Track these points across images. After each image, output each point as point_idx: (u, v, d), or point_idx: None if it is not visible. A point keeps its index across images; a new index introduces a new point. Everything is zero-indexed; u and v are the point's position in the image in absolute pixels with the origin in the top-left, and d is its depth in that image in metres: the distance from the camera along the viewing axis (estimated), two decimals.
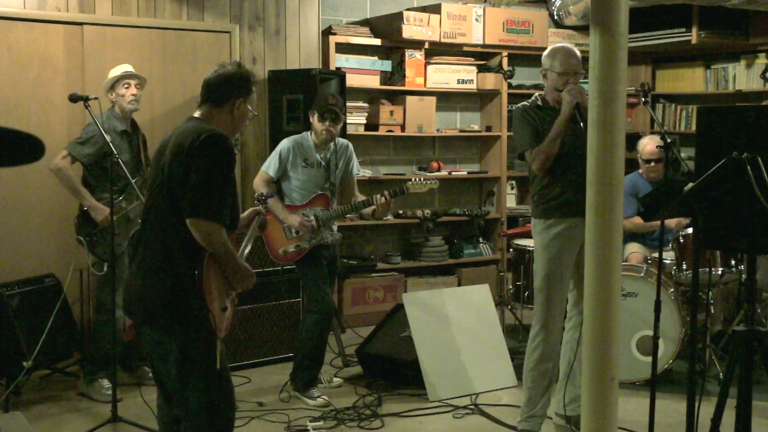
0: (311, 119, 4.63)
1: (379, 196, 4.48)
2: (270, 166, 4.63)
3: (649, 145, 5.35)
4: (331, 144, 4.66)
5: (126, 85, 4.72)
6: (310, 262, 4.62)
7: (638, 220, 5.27)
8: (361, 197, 4.71)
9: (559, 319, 3.99)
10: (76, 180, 4.60)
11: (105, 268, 4.64)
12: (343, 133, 5.35)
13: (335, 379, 4.91)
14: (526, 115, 3.99)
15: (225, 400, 2.98)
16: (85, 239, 4.62)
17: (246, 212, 3.32)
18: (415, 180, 4.62)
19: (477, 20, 6.73)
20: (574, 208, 3.81)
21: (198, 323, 2.85)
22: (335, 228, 4.77)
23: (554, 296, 3.93)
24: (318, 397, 4.55)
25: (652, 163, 5.30)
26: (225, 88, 3.03)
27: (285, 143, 4.64)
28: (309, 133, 4.66)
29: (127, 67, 4.81)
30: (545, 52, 4.01)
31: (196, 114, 3.05)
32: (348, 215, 4.90)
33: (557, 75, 3.90)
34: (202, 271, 2.82)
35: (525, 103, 4.07)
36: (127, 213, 4.63)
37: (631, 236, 5.41)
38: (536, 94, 4.10)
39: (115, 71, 4.78)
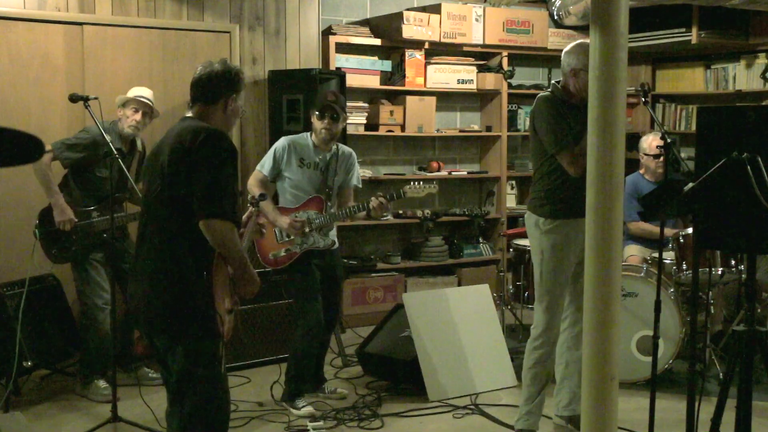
0: (311, 118, 4.48)
1: (373, 199, 4.28)
2: (264, 164, 4.50)
3: (655, 141, 5.32)
4: (333, 147, 4.51)
5: (134, 109, 4.71)
6: (299, 272, 4.44)
7: (645, 225, 5.23)
8: (352, 203, 4.52)
9: (560, 320, 3.99)
10: (50, 176, 4.55)
11: (51, 269, 4.68)
12: (343, 133, 5.33)
13: (339, 390, 4.70)
14: (559, 109, 3.73)
15: (222, 402, 2.98)
16: (40, 234, 4.60)
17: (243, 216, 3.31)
18: (413, 184, 4.44)
19: (477, 20, 6.73)
20: (579, 208, 3.77)
21: (205, 328, 2.82)
22: (333, 234, 4.58)
23: (559, 298, 3.91)
24: (303, 407, 4.39)
25: (661, 159, 5.26)
26: (217, 86, 3.01)
27: (281, 141, 4.51)
28: (309, 133, 4.52)
29: (144, 92, 4.75)
30: (577, 49, 3.71)
31: (189, 114, 3.03)
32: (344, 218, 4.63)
33: None
34: (212, 273, 2.80)
35: (547, 93, 3.82)
36: (94, 224, 4.61)
37: (631, 237, 5.39)
38: (555, 82, 3.85)
39: (133, 92, 4.74)
